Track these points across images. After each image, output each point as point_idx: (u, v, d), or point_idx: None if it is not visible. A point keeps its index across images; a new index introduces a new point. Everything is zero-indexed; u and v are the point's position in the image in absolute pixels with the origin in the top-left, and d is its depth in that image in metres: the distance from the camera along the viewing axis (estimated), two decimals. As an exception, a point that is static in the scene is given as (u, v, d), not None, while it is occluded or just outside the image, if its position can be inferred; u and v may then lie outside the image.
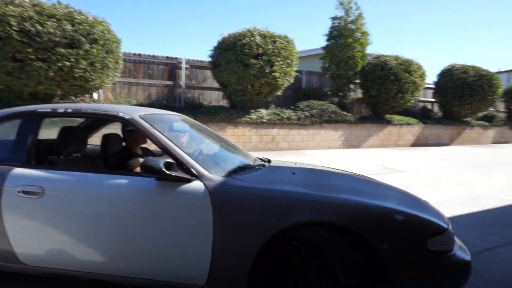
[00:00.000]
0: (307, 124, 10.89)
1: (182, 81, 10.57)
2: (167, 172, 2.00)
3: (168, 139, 2.22)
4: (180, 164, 2.12)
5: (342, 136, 11.72)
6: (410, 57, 12.47)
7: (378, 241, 1.90)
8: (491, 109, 16.00)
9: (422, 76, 12.50)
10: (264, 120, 10.14)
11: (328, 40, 12.45)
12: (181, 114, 3.24)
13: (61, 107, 2.52)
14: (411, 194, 2.66)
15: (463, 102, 13.66)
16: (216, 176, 2.13)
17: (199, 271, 2.04)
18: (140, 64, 10.26)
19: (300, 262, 2.02)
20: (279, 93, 10.44)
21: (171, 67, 10.67)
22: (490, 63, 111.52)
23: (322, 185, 2.52)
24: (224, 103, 10.90)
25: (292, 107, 11.13)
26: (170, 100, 10.46)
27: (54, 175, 2.23)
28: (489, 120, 15.70)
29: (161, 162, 2.00)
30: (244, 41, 9.19)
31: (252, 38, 9.27)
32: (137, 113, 2.36)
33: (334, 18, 12.39)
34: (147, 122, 2.29)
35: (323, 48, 12.69)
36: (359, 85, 12.76)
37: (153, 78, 10.40)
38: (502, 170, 8.12)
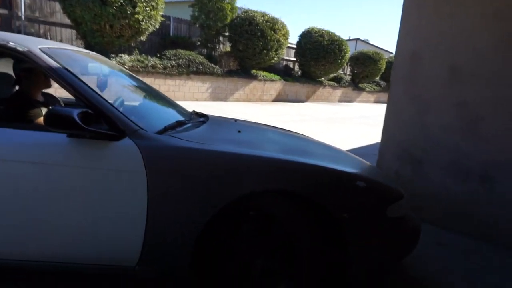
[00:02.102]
0: (173, 74, 10.48)
1: (21, 11, 8.75)
2: (85, 126, 1.50)
3: (84, 83, 1.66)
4: (102, 116, 1.62)
5: (209, 89, 11.74)
6: (276, 16, 13.03)
7: (339, 210, 1.71)
8: (340, 71, 18.26)
9: (286, 35, 13.24)
10: (126, 67, 9.29)
11: (198, -13, 11.92)
12: (96, 53, 2.55)
13: None
14: (359, 158, 2.47)
15: (318, 63, 15.16)
16: (150, 133, 1.68)
17: (129, 250, 1.67)
18: (-43, -17, 8.03)
19: (254, 236, 1.80)
20: (143, 38, 9.67)
21: (5, -8, 8.68)
22: (343, 30, 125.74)
23: (276, 146, 2.21)
24: (78, 44, 9.55)
25: (158, 55, 10.52)
26: (5, 34, 8.60)
27: None
28: (338, 81, 17.93)
29: (74, 112, 1.49)
30: (101, -28, 8.03)
31: (111, -29, 8.16)
32: (36, 45, 1.72)
33: (204, -36, 11.84)
34: (53, 59, 1.67)
35: (193, -6, 12.12)
36: (228, 38, 12.78)
37: (-22, 3, 8.31)
38: (343, 124, 9.48)
